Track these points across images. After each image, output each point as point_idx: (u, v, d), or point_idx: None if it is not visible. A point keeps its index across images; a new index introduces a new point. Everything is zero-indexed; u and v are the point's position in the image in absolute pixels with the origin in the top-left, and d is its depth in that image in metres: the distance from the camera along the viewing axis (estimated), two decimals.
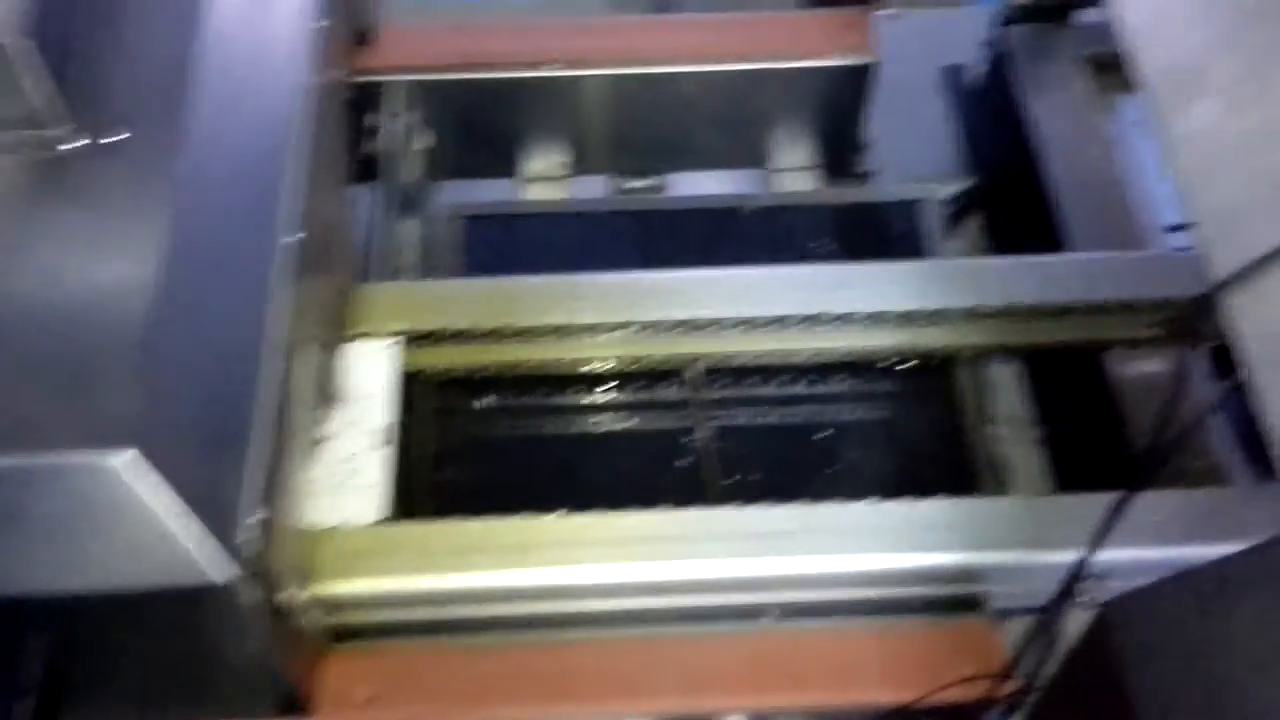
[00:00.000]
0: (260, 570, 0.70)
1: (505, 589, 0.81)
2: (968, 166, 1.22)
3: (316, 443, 0.86)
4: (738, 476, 0.92)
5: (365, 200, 1.10)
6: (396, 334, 0.93)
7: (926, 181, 1.17)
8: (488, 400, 0.97)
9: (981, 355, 0.96)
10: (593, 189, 1.21)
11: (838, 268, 0.96)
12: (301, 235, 0.79)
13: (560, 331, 0.94)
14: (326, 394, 0.87)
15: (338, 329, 0.91)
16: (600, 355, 0.95)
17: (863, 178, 1.21)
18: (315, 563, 0.80)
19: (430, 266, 1.13)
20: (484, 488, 0.92)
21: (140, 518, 0.64)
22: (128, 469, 0.63)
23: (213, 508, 0.67)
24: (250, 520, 0.69)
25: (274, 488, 0.73)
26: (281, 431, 0.76)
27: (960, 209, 1.16)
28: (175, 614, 0.70)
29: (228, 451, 0.70)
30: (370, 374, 0.90)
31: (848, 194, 1.15)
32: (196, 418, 0.69)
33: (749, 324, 0.94)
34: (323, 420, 0.87)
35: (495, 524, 0.82)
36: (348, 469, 0.85)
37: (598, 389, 0.98)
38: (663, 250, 1.10)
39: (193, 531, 0.65)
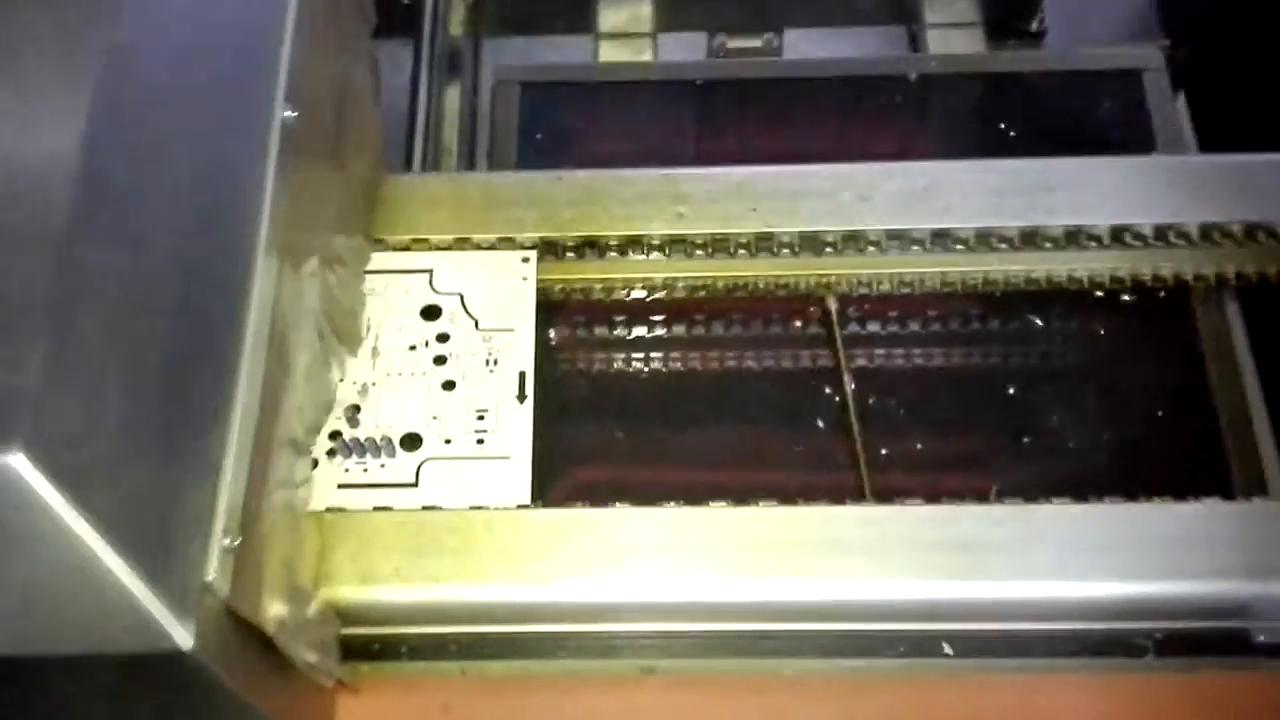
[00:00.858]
0: (234, 612, 0.47)
1: (574, 605, 0.58)
2: (1166, 27, 0.93)
3: (331, 402, 0.62)
4: (891, 449, 0.68)
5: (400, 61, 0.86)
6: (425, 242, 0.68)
7: (1110, 45, 0.89)
8: (554, 333, 0.72)
9: (1231, 287, 0.70)
10: (686, 49, 0.94)
11: (1034, 165, 0.70)
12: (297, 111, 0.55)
13: (652, 245, 0.69)
14: (347, 329, 0.63)
15: (361, 239, 0.66)
16: (705, 276, 0.70)
17: (1032, 38, 0.93)
18: (330, 561, 0.58)
19: (475, 148, 0.89)
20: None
21: (39, 546, 0.42)
22: (16, 473, 0.40)
23: (163, 525, 0.44)
24: (222, 546, 0.46)
25: (261, 475, 0.50)
26: (274, 391, 0.52)
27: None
28: (111, 679, 0.48)
29: (186, 431, 0.47)
30: (501, 297, 0.65)
31: (1041, 60, 0.87)
32: (136, 382, 0.46)
33: (909, 239, 0.69)
34: (344, 367, 0.63)
35: (558, 516, 0.59)
36: (477, 431, 0.62)
37: (698, 321, 0.73)
38: (779, 134, 0.84)
39: (126, 571, 0.42)
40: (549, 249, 0.68)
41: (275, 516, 0.52)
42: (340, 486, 0.60)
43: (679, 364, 0.72)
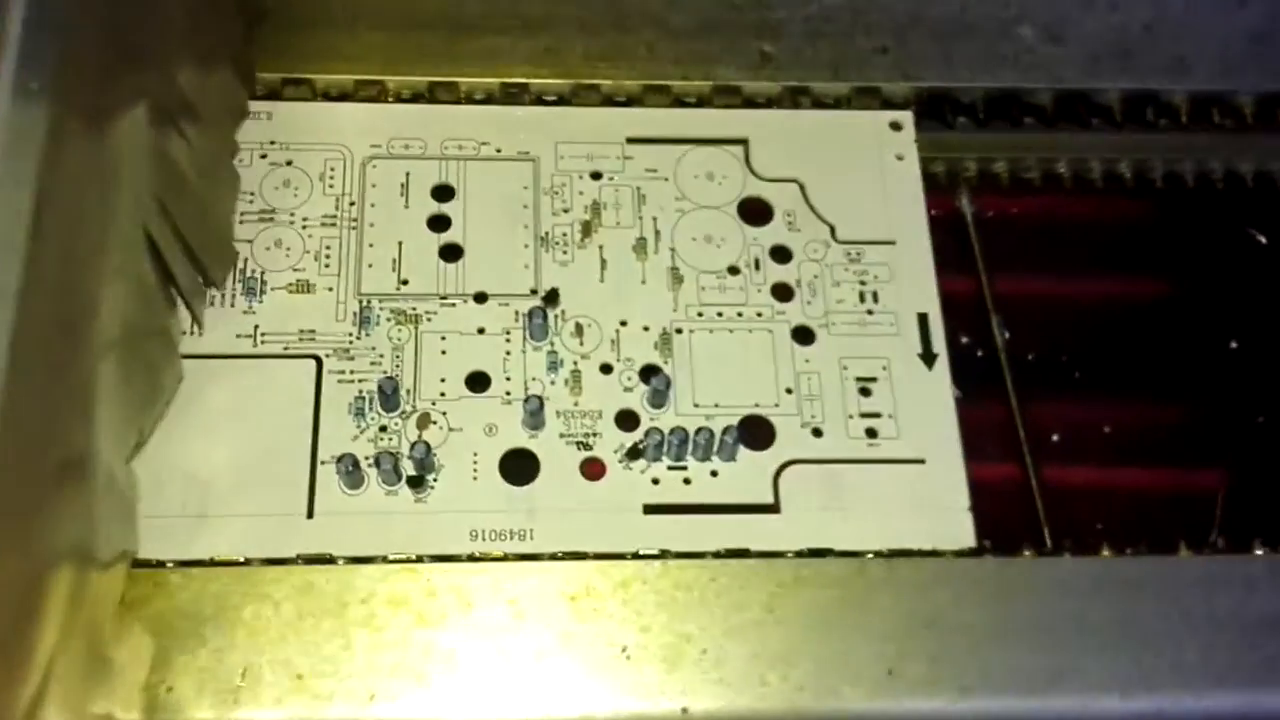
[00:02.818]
0: None
1: None
2: None
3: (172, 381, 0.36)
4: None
5: None
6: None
7: None
8: None
9: None
10: None
11: None
12: None
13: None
14: (209, 238, 0.37)
15: (230, 75, 0.40)
16: None
17: None
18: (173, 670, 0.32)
19: None
20: None
21: None
22: None
23: None
24: None
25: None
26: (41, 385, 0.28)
27: None
28: None
29: None
30: (866, 188, 0.41)
31: None
32: None
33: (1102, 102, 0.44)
34: (200, 310, 0.37)
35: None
36: (864, 416, 0.38)
37: None
38: None
39: None
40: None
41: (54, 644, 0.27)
42: (649, 511, 0.36)
43: None
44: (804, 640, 0.34)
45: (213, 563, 0.34)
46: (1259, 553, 0.37)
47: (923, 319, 0.39)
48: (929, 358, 0.38)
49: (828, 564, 0.35)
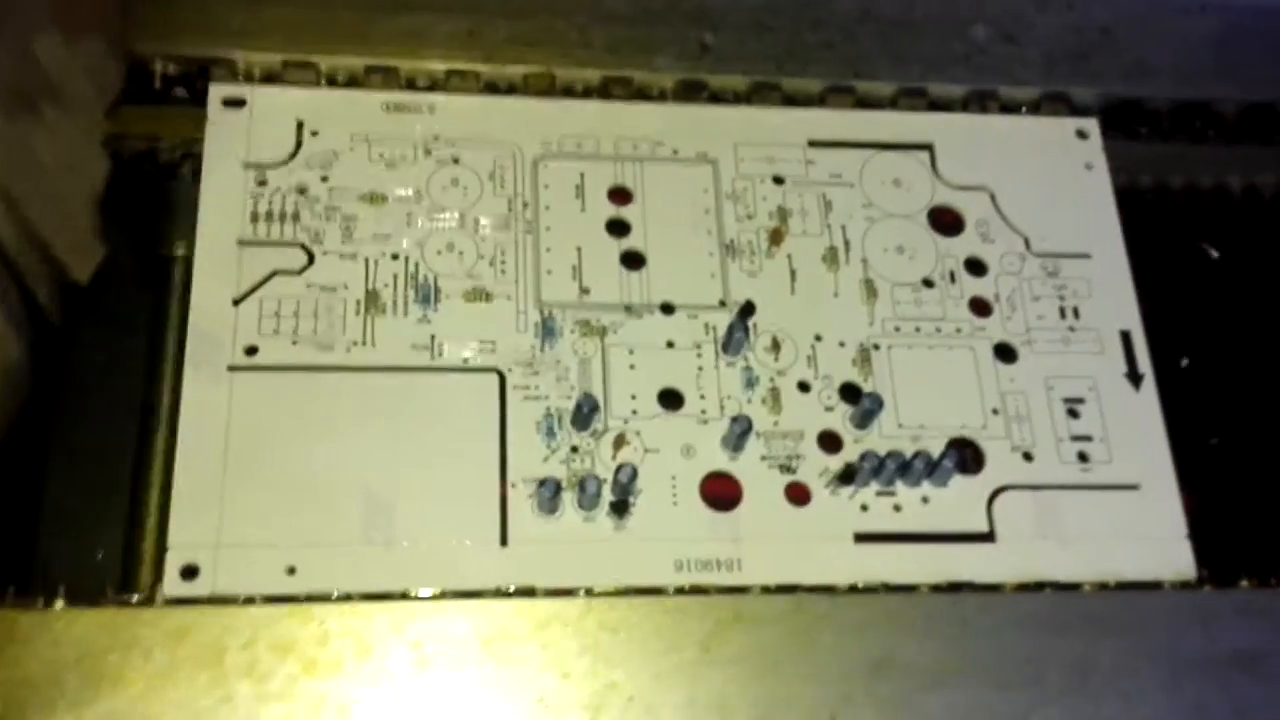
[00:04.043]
0: None
1: None
2: None
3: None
4: None
5: None
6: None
7: None
8: None
9: None
10: None
11: None
12: None
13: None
14: (66, 232, 0.33)
15: (103, 47, 0.36)
16: None
17: None
18: None
19: None
20: None
21: None
22: None
23: None
24: None
25: None
26: None
27: None
28: None
29: None
30: (1057, 198, 0.39)
31: None
32: None
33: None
34: (55, 305, 0.34)
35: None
36: (1074, 439, 0.36)
37: None
38: None
39: None
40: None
41: None
42: (860, 539, 0.33)
43: None
44: None
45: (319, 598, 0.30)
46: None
47: (1125, 336, 0.37)
48: (1135, 378, 0.37)
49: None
